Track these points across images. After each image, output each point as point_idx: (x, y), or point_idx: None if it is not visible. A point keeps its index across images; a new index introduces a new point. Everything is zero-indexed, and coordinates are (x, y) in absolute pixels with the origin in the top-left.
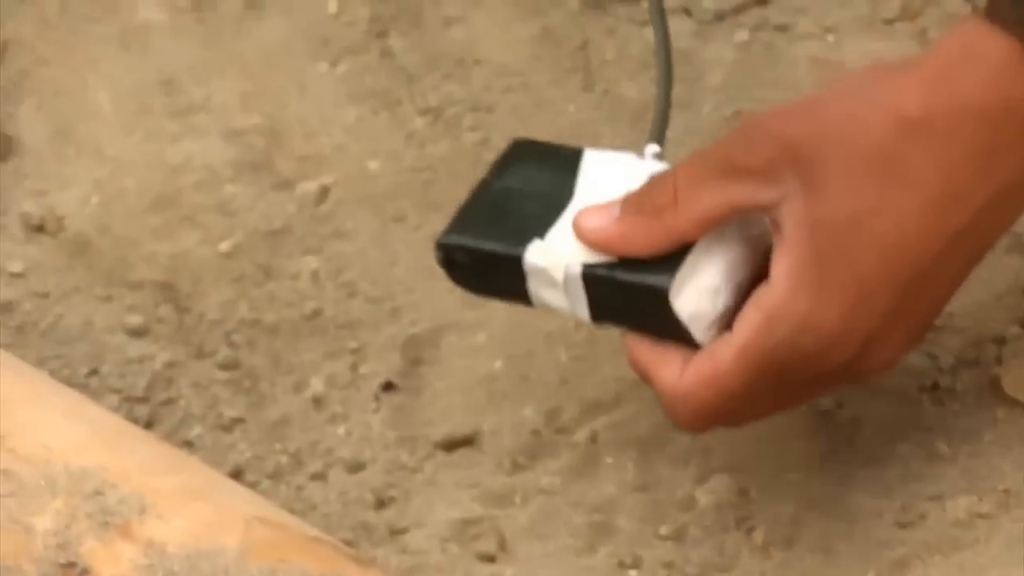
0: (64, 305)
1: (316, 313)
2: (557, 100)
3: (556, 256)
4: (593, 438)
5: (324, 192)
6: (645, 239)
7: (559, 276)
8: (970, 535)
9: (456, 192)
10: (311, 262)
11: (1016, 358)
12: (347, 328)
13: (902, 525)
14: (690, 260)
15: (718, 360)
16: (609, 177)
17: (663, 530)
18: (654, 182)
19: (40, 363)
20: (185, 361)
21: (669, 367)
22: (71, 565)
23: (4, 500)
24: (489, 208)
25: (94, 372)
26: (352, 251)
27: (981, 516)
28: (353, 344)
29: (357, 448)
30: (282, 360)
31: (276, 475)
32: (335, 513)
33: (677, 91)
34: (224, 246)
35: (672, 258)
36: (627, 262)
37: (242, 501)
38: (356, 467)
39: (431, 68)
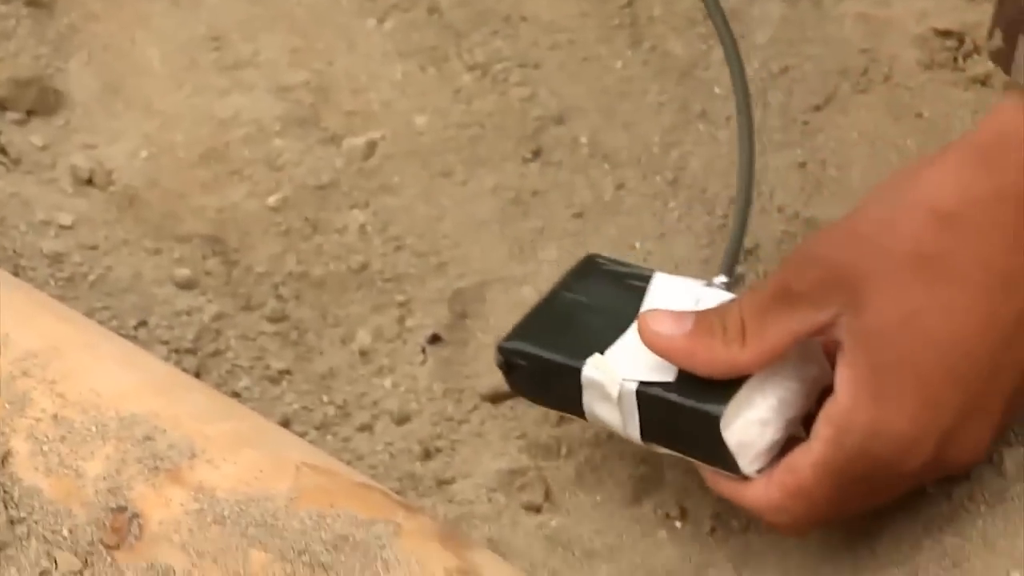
0: (113, 257)
1: (363, 267)
2: (604, 56)
3: (614, 371)
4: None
5: (371, 147)
6: (708, 361)
7: (614, 391)
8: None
9: (503, 147)
10: (358, 216)
11: None
12: (394, 281)
13: None
14: (744, 391)
15: (799, 473)
16: (675, 302)
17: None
18: (725, 309)
19: (89, 314)
20: (233, 313)
21: (753, 487)
22: (121, 509)
23: (55, 445)
24: (554, 318)
25: (143, 324)
26: (399, 205)
27: None
28: (400, 297)
29: (404, 400)
30: (329, 313)
31: (323, 426)
32: (382, 464)
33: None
34: (272, 200)
35: (726, 386)
36: (682, 386)
37: (291, 448)
38: (403, 419)
39: (478, 24)
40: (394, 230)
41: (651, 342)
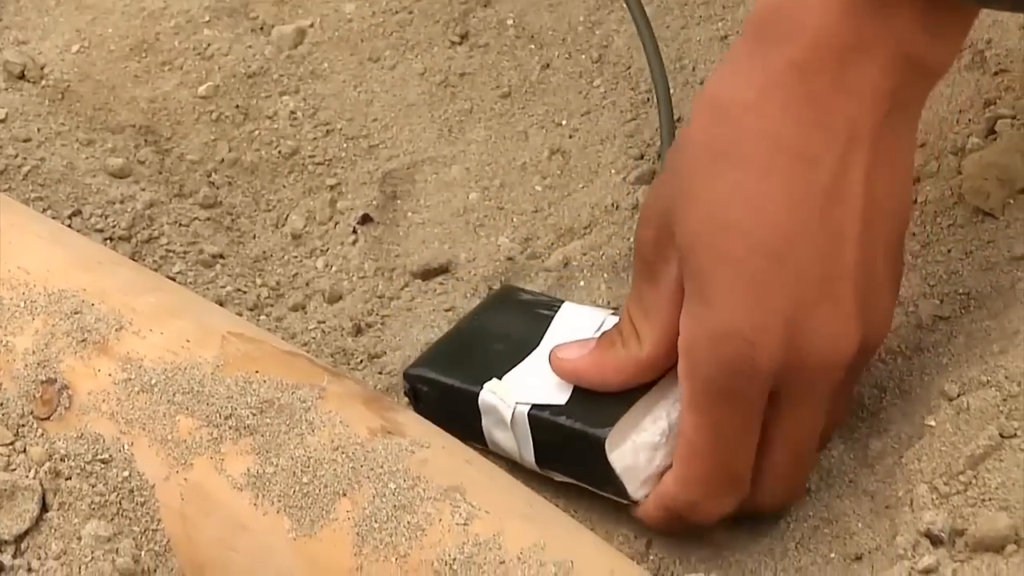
0: (46, 149)
1: (294, 152)
2: None
3: (508, 395)
4: (566, 262)
5: (300, 34)
6: (615, 369)
7: (508, 415)
8: (931, 337)
9: (430, 31)
10: (288, 102)
11: (975, 168)
12: (324, 165)
13: None
14: (632, 413)
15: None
16: (578, 327)
17: None
18: (619, 319)
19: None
20: (166, 201)
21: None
22: (51, 381)
23: None
24: (460, 346)
25: (77, 213)
26: (329, 91)
27: (942, 319)
28: (331, 181)
29: (335, 279)
30: (261, 198)
31: (257, 307)
32: (314, 341)
33: None
34: (203, 89)
35: (615, 409)
36: (572, 408)
37: (219, 318)
38: (335, 297)
39: None
40: (324, 115)
41: (560, 369)
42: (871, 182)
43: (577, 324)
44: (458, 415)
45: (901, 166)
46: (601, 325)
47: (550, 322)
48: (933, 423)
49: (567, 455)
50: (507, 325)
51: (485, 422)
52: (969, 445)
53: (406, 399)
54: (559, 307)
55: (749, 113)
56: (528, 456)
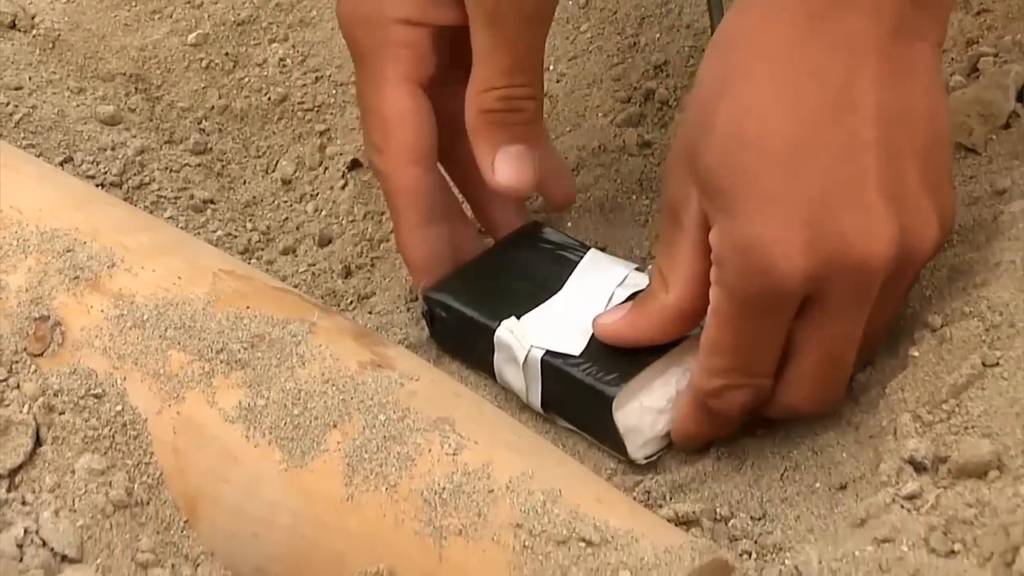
0: (37, 97)
1: (283, 98)
2: None
3: (524, 337)
4: None
5: None
6: (648, 323)
7: (521, 356)
8: None
9: None
10: (278, 50)
11: (958, 105)
12: (314, 112)
13: None
14: (643, 376)
15: (705, 332)
16: (601, 278)
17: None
18: (651, 277)
19: None
20: (157, 148)
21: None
22: (44, 318)
23: None
24: (483, 277)
25: (68, 160)
26: (317, 38)
27: None
28: (320, 127)
29: (325, 224)
30: (251, 144)
31: (248, 251)
32: (305, 283)
33: None
34: (192, 37)
35: (627, 369)
36: (585, 361)
37: (210, 256)
38: (324, 241)
39: None
40: (313, 62)
41: (602, 334)
42: (882, 92)
43: (601, 275)
44: (471, 344)
45: (919, 78)
46: (624, 279)
47: (574, 268)
48: (916, 354)
49: (573, 405)
50: (531, 263)
51: (497, 357)
52: (952, 375)
53: (422, 319)
54: (584, 253)
55: (755, 38)
56: (534, 398)
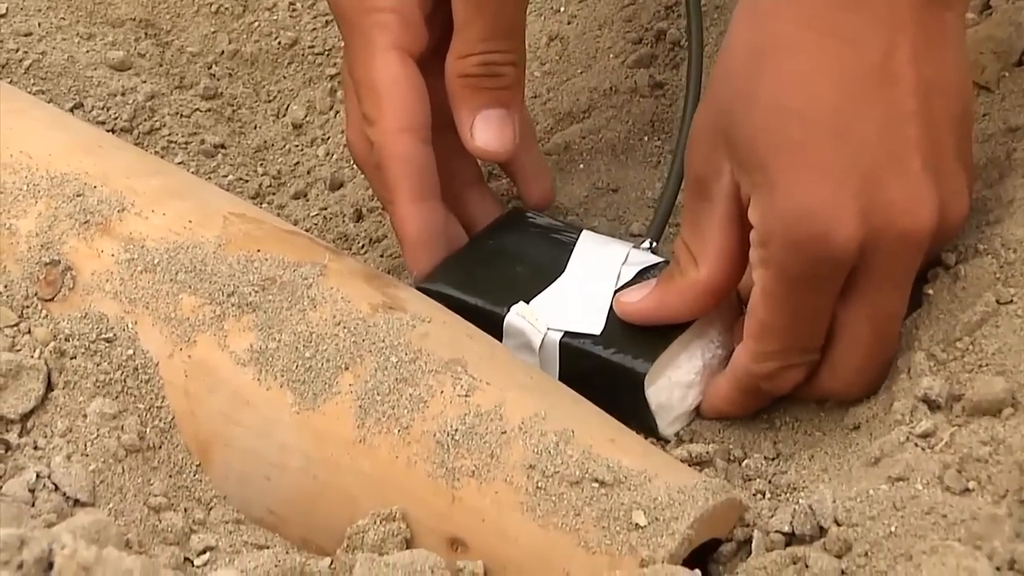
0: (47, 43)
1: (294, 42)
2: None
3: (538, 320)
4: (566, 146)
5: None
6: (677, 300)
7: (537, 340)
8: None
9: None
10: None
11: (971, 43)
12: (324, 55)
13: None
14: (671, 350)
15: (754, 314)
16: (602, 258)
17: (635, 228)
18: (676, 252)
19: None
20: (167, 93)
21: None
22: (54, 263)
23: None
24: (477, 264)
25: (79, 106)
26: None
27: None
28: (331, 70)
29: (337, 167)
30: (262, 89)
31: (259, 195)
32: (316, 227)
33: None
34: None
35: (653, 344)
36: (608, 340)
37: (220, 199)
38: (336, 185)
39: None
40: (323, 6)
41: (626, 313)
42: (920, 62)
43: (602, 254)
44: None
45: (950, 48)
46: (627, 258)
47: (570, 249)
48: (931, 292)
49: (597, 385)
50: (524, 248)
51: (506, 343)
52: (966, 312)
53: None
54: (576, 235)
55: (794, 7)
56: None
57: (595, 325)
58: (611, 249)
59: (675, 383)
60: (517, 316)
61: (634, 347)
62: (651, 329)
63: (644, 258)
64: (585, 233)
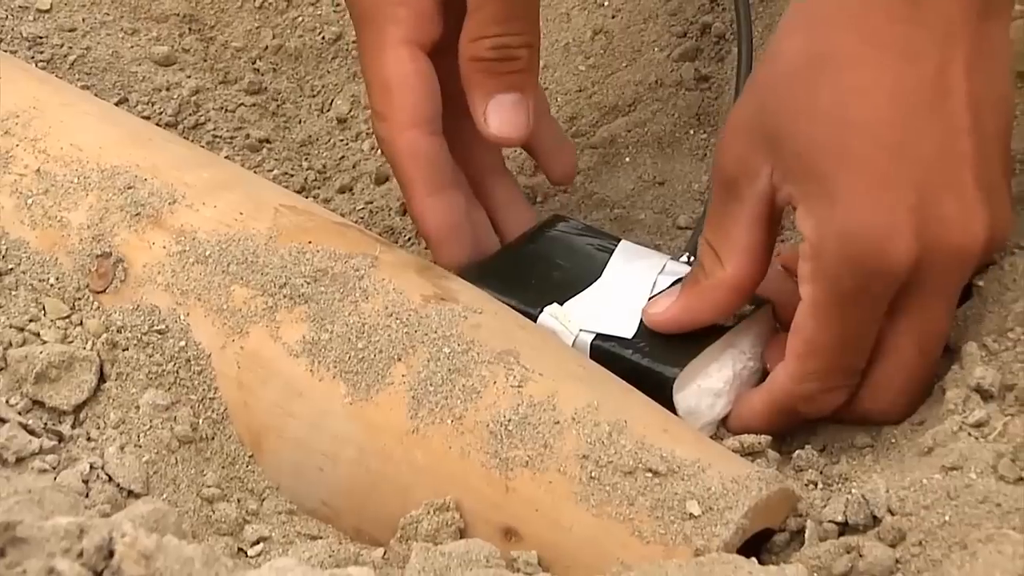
0: (91, 38)
1: (338, 37)
2: None
3: (570, 322)
4: (611, 139)
5: None
6: (703, 302)
7: (569, 341)
8: None
9: None
10: None
11: (1018, 33)
12: None
13: None
14: (701, 358)
15: (801, 331)
16: (639, 266)
17: (681, 220)
18: (700, 255)
19: None
20: (212, 88)
21: (771, 377)
22: (106, 255)
23: (39, 198)
24: (514, 266)
25: (123, 101)
26: None
27: None
28: None
29: (382, 161)
30: (306, 83)
31: (305, 190)
32: (362, 221)
33: None
34: None
35: (684, 350)
36: (640, 344)
37: (270, 191)
38: (381, 179)
39: None
40: None
41: (655, 323)
42: (972, 77)
43: (640, 263)
44: None
45: (996, 60)
46: (663, 268)
47: (609, 255)
48: (981, 283)
49: None
50: (562, 254)
51: None
52: (1018, 303)
53: None
54: (616, 243)
55: (852, 19)
56: None
57: (628, 329)
58: (648, 258)
59: (704, 390)
60: (550, 316)
61: (665, 352)
62: (684, 336)
63: (680, 269)
64: (624, 242)
